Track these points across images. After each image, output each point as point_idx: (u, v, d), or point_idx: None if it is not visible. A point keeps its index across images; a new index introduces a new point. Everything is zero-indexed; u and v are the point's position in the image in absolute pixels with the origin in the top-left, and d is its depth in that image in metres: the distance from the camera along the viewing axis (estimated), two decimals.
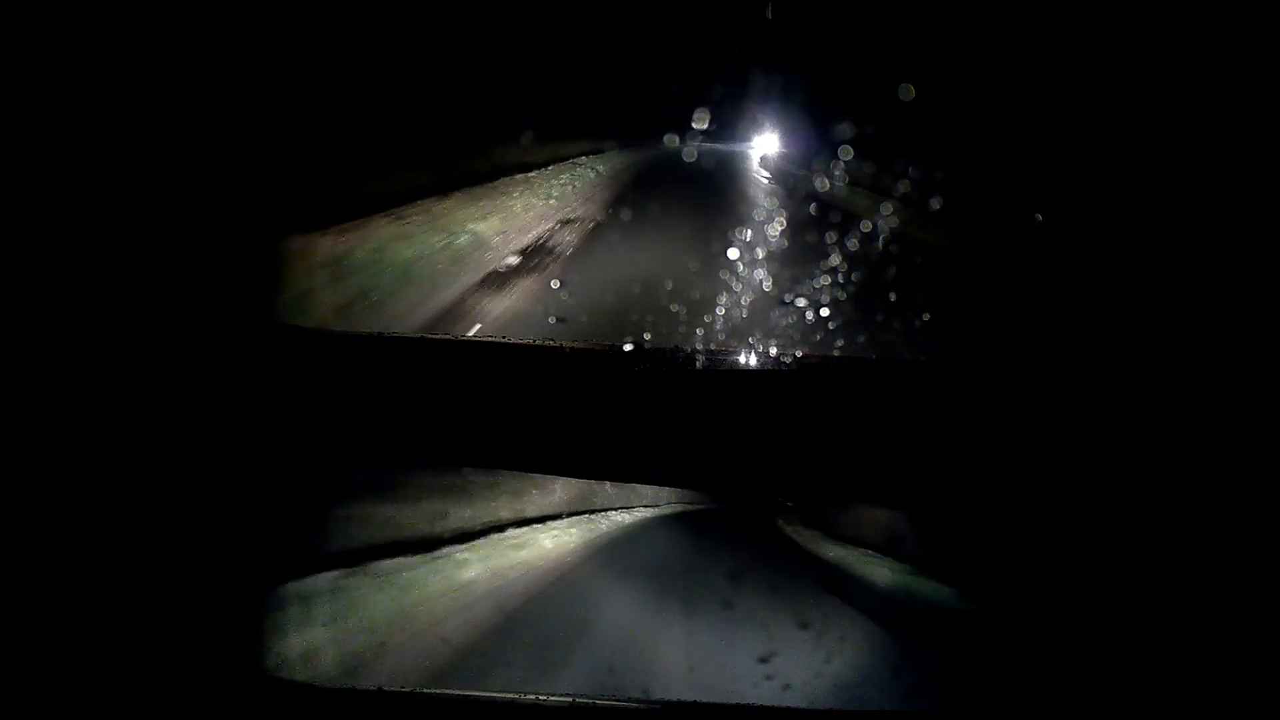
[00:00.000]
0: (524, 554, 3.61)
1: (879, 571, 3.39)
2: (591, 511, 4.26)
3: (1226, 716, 1.86)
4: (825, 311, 3.86)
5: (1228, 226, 2.32)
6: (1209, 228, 2.36)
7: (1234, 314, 2.23)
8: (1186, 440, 1.99)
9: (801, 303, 3.94)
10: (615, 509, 4.47)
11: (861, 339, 3.22)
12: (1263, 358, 2.10)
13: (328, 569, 2.47)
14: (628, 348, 2.18)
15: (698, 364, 2.14)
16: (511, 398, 2.14)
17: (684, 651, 2.86)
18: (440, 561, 3.05)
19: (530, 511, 3.80)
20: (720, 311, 3.49)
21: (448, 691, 2.17)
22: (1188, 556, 2.01)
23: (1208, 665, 1.95)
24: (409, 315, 3.21)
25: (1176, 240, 2.42)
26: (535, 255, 4.15)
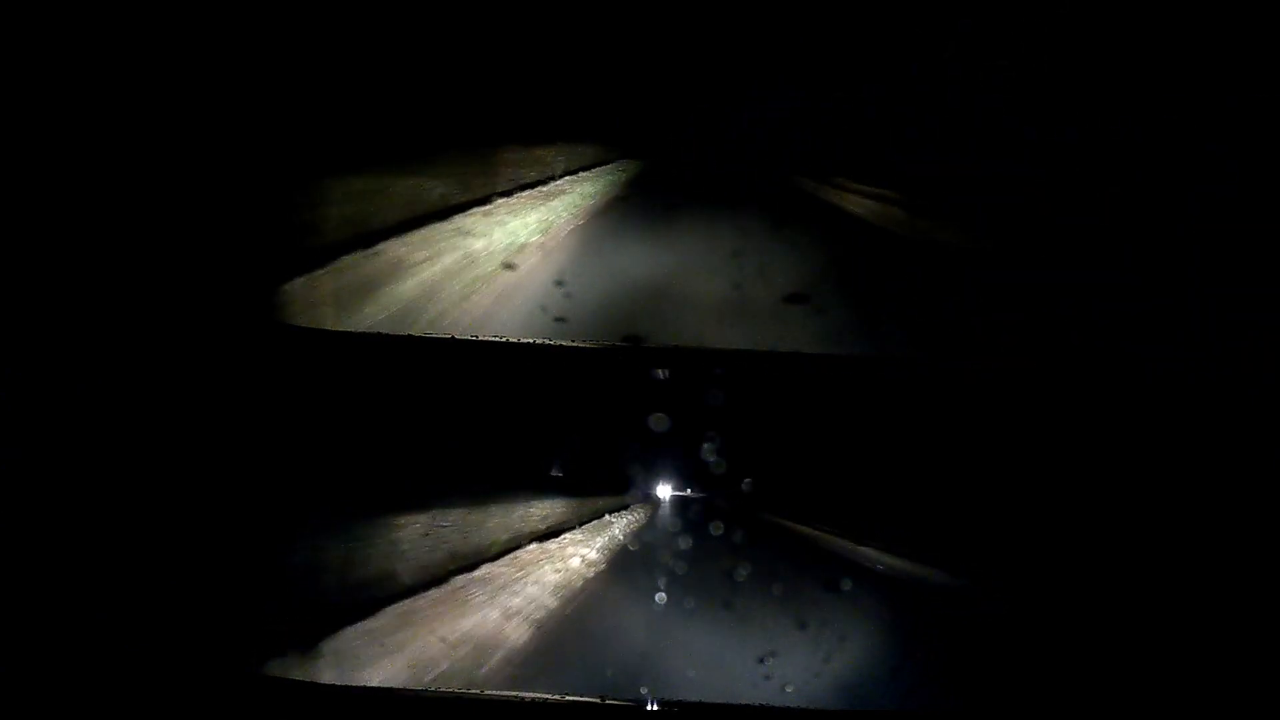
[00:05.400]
0: (520, 555, 3.61)
1: (879, 568, 3.39)
2: (588, 519, 4.26)
3: (1227, 716, 1.86)
4: (823, 311, 3.84)
5: (1226, 227, 2.32)
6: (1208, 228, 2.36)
7: (1235, 312, 2.23)
8: (1186, 433, 1.99)
9: (802, 302, 3.92)
10: (612, 508, 4.47)
11: (863, 338, 3.22)
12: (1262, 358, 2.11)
13: (322, 584, 2.46)
14: (628, 346, 2.18)
15: (697, 362, 2.14)
16: (511, 397, 2.14)
17: (683, 651, 2.85)
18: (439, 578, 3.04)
19: (525, 517, 3.79)
20: (723, 308, 3.49)
21: (448, 691, 2.17)
22: (1190, 554, 2.01)
23: (1210, 666, 1.95)
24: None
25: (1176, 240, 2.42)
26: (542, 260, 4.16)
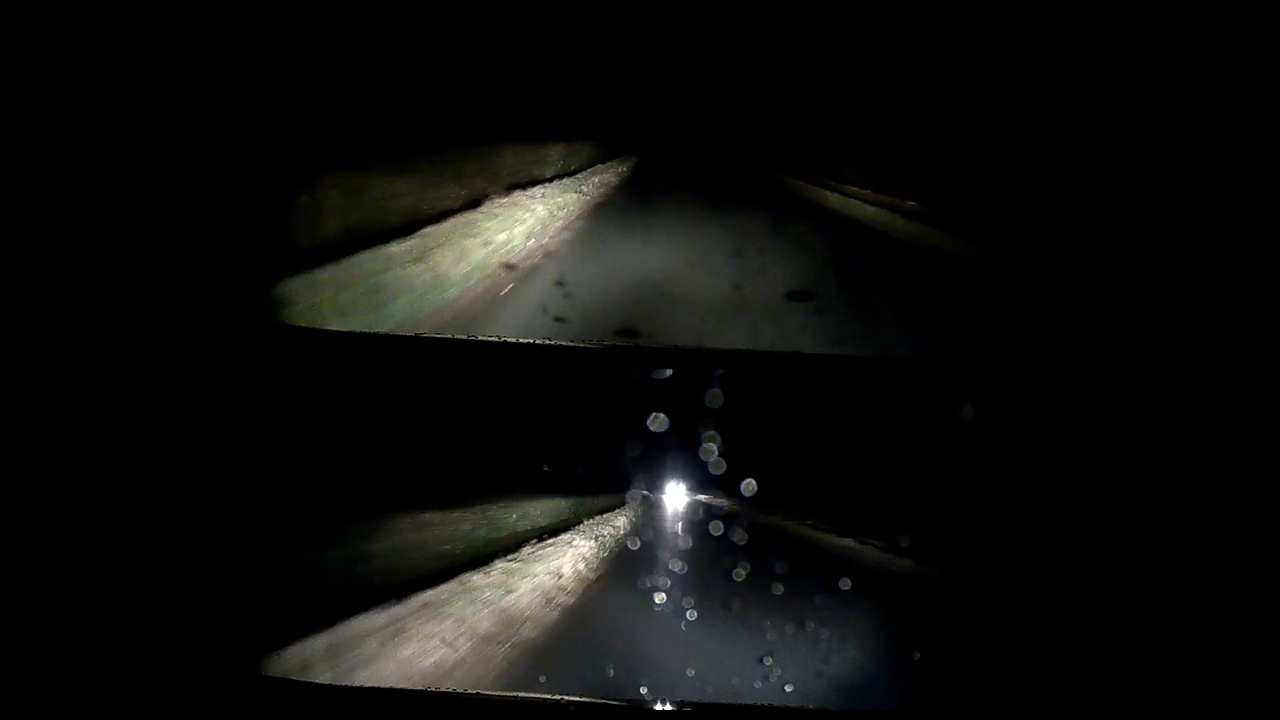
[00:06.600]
0: (519, 555, 3.61)
1: (878, 568, 3.39)
2: (588, 519, 4.25)
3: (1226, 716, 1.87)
4: (823, 310, 3.84)
5: (1226, 226, 2.32)
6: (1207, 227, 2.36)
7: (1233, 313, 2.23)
8: (1186, 433, 1.99)
9: (798, 302, 3.92)
10: (611, 508, 4.46)
11: (863, 338, 3.22)
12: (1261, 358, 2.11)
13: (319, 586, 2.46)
14: (628, 347, 2.18)
15: (697, 362, 2.14)
16: (511, 397, 2.14)
17: (683, 651, 2.86)
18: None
19: (524, 517, 3.79)
20: (720, 309, 3.50)
21: (448, 691, 2.17)
22: (1190, 554, 2.01)
23: (1209, 666, 1.95)
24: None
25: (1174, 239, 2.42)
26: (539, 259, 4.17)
